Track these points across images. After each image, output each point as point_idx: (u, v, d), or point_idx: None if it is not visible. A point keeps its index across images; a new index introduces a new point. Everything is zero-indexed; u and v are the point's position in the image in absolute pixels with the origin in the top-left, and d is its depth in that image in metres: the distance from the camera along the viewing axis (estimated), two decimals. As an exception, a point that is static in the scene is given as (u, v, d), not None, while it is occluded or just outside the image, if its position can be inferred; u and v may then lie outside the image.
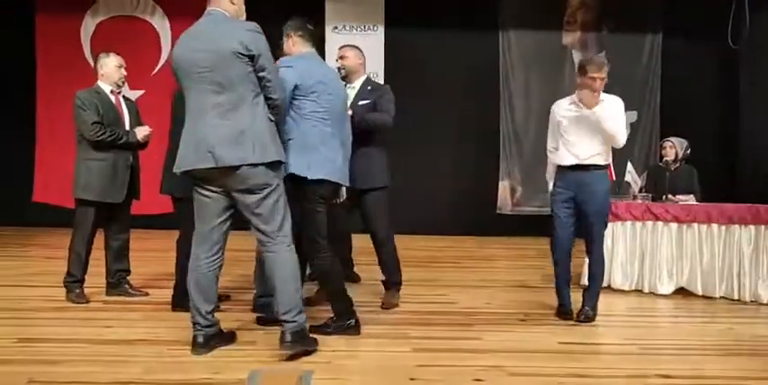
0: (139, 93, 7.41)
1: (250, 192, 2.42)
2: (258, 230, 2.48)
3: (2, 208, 6.94)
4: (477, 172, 7.51)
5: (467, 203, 7.43)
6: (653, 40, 7.62)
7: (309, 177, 2.62)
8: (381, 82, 7.42)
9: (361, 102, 3.35)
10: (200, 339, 2.50)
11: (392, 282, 3.45)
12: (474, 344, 2.71)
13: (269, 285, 2.54)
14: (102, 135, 3.32)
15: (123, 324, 2.94)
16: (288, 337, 2.41)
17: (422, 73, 7.40)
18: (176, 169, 2.51)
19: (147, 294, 3.56)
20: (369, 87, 3.41)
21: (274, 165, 2.45)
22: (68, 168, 7.19)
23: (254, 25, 2.44)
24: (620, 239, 4.05)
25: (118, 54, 3.54)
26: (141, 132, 3.45)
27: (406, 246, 6.24)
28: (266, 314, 2.93)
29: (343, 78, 3.40)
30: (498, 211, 7.54)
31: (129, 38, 7.24)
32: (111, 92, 3.49)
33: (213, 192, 2.48)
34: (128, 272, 3.59)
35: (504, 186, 7.63)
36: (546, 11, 7.62)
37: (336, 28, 7.52)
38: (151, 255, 3.96)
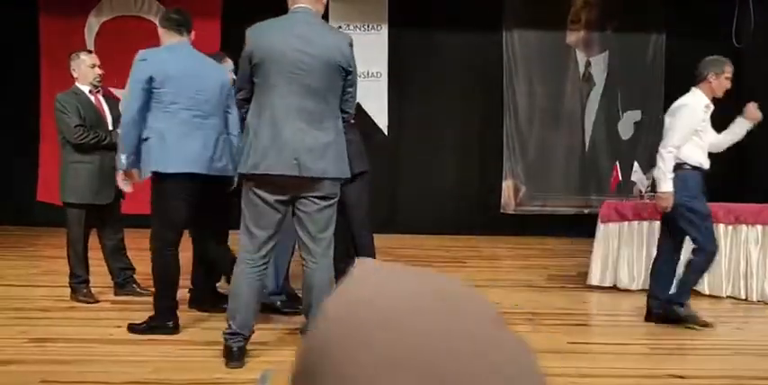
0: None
1: (320, 198, 2.38)
2: (309, 237, 2.39)
3: (10, 207, 6.96)
4: (480, 171, 7.52)
5: (470, 202, 7.44)
6: (657, 39, 7.62)
7: (168, 171, 2.65)
8: (384, 82, 7.45)
9: None
10: (236, 349, 2.37)
11: None
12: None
13: (304, 299, 2.45)
14: (85, 138, 3.27)
15: (132, 324, 2.94)
16: None
17: (425, 72, 7.40)
18: (249, 170, 2.32)
19: (154, 293, 3.56)
20: None
21: (343, 180, 2.46)
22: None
23: (351, 39, 2.43)
24: (626, 239, 4.05)
25: (90, 52, 3.47)
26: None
27: (409, 245, 6.27)
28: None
29: None
30: (502, 211, 7.55)
31: (133, 38, 7.22)
32: (90, 92, 3.41)
33: (278, 200, 2.36)
34: (132, 269, 3.59)
35: (507, 185, 7.64)
36: (550, 10, 7.62)
37: (340, 28, 7.50)
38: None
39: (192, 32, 2.89)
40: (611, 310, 3.53)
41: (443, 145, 7.45)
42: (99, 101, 3.43)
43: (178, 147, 2.63)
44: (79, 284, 3.40)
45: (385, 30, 7.52)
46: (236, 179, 2.83)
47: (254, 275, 2.38)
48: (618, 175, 4.21)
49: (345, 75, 2.38)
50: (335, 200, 2.43)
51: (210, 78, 2.79)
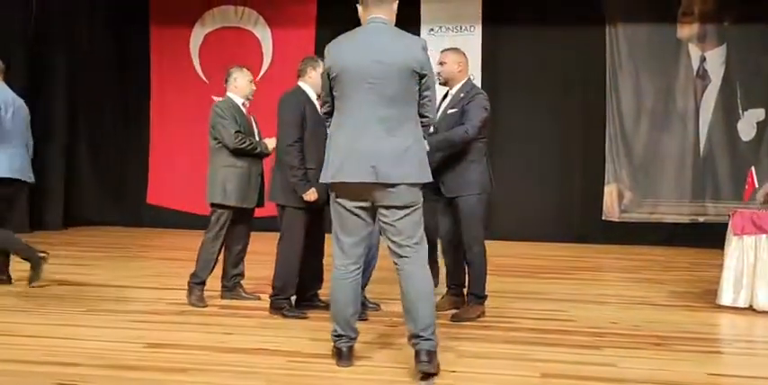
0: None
1: (399, 208, 2.38)
2: (396, 245, 2.42)
3: (121, 210, 7.43)
4: (580, 175, 7.13)
5: (570, 209, 7.07)
6: (785, 29, 6.87)
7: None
8: (478, 84, 7.22)
9: (450, 111, 3.31)
10: (346, 350, 2.47)
11: (472, 294, 3.28)
12: (608, 372, 2.47)
13: (404, 301, 2.43)
14: (243, 143, 3.47)
15: (241, 331, 2.97)
16: (424, 357, 2.34)
17: (521, 73, 7.11)
18: (328, 179, 2.41)
19: (258, 298, 3.61)
20: (462, 94, 3.31)
21: (423, 185, 2.45)
22: (179, 172, 7.62)
23: (425, 42, 2.45)
24: (765, 254, 3.59)
25: (257, 68, 3.71)
26: (271, 143, 3.56)
27: (506, 253, 6.00)
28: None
29: (443, 84, 3.34)
30: (603, 218, 7.11)
31: (233, 48, 7.53)
32: (243, 104, 3.63)
33: (359, 206, 2.42)
34: (242, 275, 3.68)
35: (609, 191, 7.18)
36: (658, 2, 7.09)
37: (432, 29, 7.41)
38: (263, 258, 3.96)
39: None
40: (750, 336, 3.14)
41: (541, 148, 7.12)
42: (249, 113, 3.66)
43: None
44: (196, 285, 3.50)
45: (478, 30, 7.32)
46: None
47: (346, 281, 2.44)
48: (754, 182, 3.77)
49: (420, 78, 2.40)
50: (417, 206, 2.42)
51: (19, 113, 3.94)
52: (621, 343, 2.87)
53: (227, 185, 3.46)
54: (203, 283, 3.51)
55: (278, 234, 3.28)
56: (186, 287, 3.53)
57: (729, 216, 3.77)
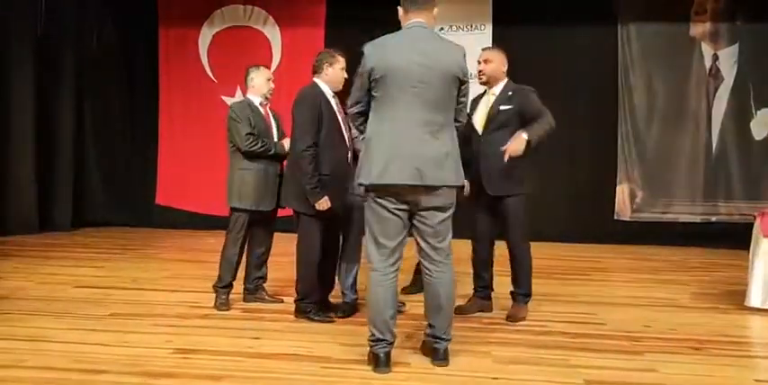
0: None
1: (439, 210, 2.46)
2: (431, 247, 2.49)
3: (130, 210, 7.35)
4: (592, 174, 7.08)
5: (582, 208, 7.02)
6: (799, 27, 6.84)
7: None
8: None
9: (503, 107, 3.25)
10: (383, 355, 2.45)
11: (520, 294, 3.32)
12: (653, 378, 2.42)
13: (430, 305, 2.51)
14: (254, 146, 3.38)
15: (269, 336, 2.91)
16: (442, 355, 2.53)
17: (533, 72, 6.99)
18: (373, 181, 2.40)
19: (281, 301, 3.56)
20: (509, 92, 3.27)
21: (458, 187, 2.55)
22: (188, 172, 7.53)
23: (464, 50, 2.49)
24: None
25: (267, 67, 3.64)
26: (288, 144, 3.47)
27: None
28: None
29: (484, 83, 3.29)
30: (615, 217, 7.08)
31: (242, 47, 7.45)
32: (261, 104, 3.54)
33: (401, 209, 2.45)
34: (264, 278, 3.63)
35: (621, 190, 7.14)
36: (670, 0, 7.05)
37: (443, 29, 7.35)
38: (284, 259, 3.92)
39: None
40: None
41: (552, 147, 7.00)
42: (267, 113, 3.57)
43: None
44: (222, 288, 3.44)
45: (489, 29, 7.27)
46: None
47: (385, 284, 2.46)
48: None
49: (460, 85, 2.47)
50: (453, 209, 2.52)
51: None
52: (660, 347, 2.82)
53: (242, 188, 3.39)
54: (229, 286, 3.45)
55: (296, 235, 3.23)
56: (210, 290, 3.47)
57: (755, 216, 3.73)
